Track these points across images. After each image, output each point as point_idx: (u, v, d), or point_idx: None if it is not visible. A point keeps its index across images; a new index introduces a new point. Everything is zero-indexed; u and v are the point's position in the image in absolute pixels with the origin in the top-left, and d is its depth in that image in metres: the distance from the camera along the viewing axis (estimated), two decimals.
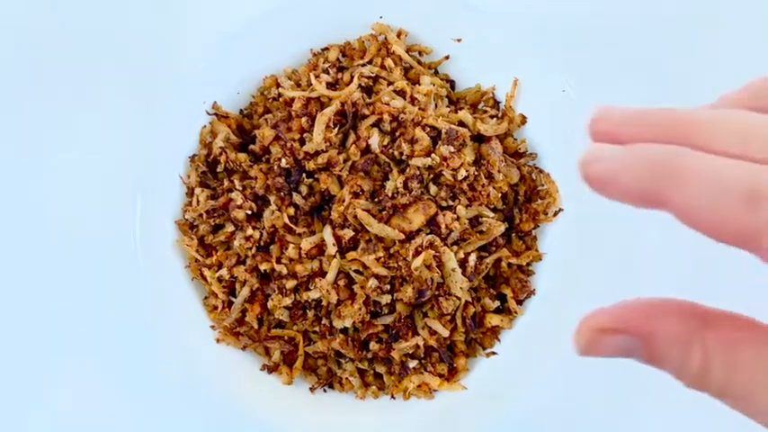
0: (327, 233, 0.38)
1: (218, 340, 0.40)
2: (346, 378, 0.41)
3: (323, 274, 0.39)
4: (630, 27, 0.47)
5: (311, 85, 0.41)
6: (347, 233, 0.38)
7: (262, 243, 0.40)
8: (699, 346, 0.16)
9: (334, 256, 0.38)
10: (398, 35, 0.43)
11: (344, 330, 0.39)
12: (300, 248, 0.38)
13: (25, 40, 0.47)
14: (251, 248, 0.40)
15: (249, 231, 0.39)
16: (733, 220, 0.14)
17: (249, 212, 0.40)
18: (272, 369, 0.41)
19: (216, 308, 0.41)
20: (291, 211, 0.39)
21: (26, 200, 0.45)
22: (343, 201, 0.38)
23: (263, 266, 0.39)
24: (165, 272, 0.40)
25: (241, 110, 0.44)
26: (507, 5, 0.42)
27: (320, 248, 0.39)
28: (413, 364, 0.40)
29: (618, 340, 0.18)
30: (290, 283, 0.39)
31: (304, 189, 0.39)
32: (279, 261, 0.39)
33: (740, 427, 0.21)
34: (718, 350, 0.16)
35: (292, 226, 0.39)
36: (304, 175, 0.39)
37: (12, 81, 0.47)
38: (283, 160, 0.39)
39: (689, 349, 0.16)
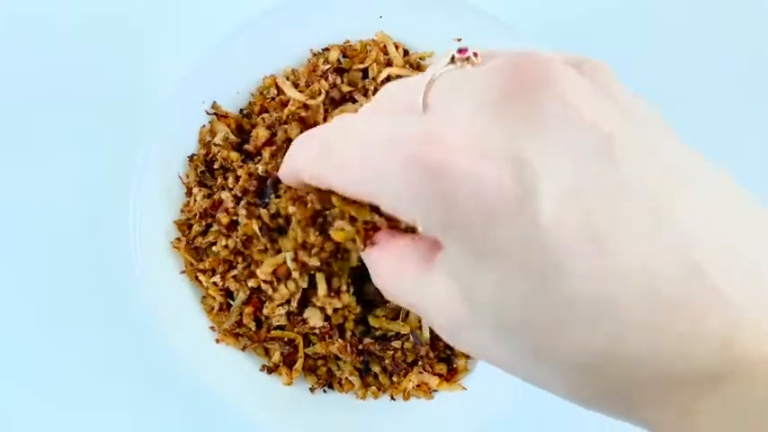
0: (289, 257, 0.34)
1: (217, 341, 0.41)
2: (346, 378, 0.41)
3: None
4: (633, 29, 0.47)
5: (310, 86, 0.41)
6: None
7: (239, 249, 0.39)
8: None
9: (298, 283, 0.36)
10: (396, 48, 0.43)
11: (342, 334, 0.39)
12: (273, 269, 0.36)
13: (24, 34, 0.47)
14: (233, 255, 0.39)
15: (224, 241, 0.39)
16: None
17: (234, 218, 0.39)
18: (271, 369, 0.41)
19: (214, 309, 0.41)
20: (256, 224, 0.36)
21: (24, 199, 0.45)
22: None
23: (251, 283, 0.38)
24: (165, 272, 0.41)
25: (241, 109, 0.44)
26: (507, 5, 0.42)
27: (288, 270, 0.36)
28: (410, 359, 0.40)
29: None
30: (278, 301, 0.38)
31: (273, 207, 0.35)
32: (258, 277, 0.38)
33: None
34: (379, 265, 0.21)
35: (258, 238, 0.36)
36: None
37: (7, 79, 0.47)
38: (260, 167, 0.38)
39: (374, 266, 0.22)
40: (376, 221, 0.21)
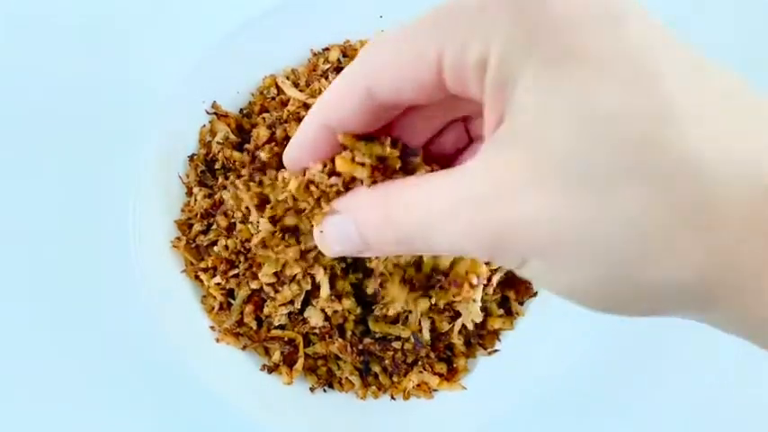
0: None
1: (217, 340, 0.40)
2: (346, 378, 0.41)
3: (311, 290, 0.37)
4: None
5: (310, 85, 0.41)
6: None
7: (240, 249, 0.39)
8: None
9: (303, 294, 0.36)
10: None
11: (343, 334, 0.39)
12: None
13: (24, 34, 0.47)
14: (234, 255, 0.39)
15: (224, 242, 0.39)
16: None
17: (233, 221, 0.39)
18: (272, 369, 0.41)
19: (214, 308, 0.41)
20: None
21: (24, 198, 0.45)
22: None
23: (253, 285, 0.38)
24: (165, 272, 0.41)
25: (241, 109, 0.44)
26: None
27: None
28: (410, 359, 0.40)
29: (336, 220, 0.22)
30: (280, 301, 0.38)
31: None
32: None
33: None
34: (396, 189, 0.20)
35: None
36: None
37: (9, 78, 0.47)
38: (262, 155, 0.38)
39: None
40: (388, 155, 0.20)
